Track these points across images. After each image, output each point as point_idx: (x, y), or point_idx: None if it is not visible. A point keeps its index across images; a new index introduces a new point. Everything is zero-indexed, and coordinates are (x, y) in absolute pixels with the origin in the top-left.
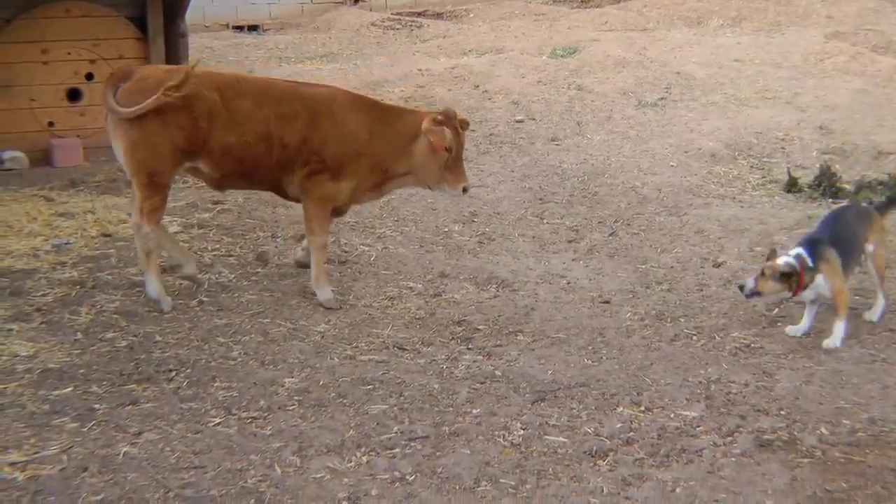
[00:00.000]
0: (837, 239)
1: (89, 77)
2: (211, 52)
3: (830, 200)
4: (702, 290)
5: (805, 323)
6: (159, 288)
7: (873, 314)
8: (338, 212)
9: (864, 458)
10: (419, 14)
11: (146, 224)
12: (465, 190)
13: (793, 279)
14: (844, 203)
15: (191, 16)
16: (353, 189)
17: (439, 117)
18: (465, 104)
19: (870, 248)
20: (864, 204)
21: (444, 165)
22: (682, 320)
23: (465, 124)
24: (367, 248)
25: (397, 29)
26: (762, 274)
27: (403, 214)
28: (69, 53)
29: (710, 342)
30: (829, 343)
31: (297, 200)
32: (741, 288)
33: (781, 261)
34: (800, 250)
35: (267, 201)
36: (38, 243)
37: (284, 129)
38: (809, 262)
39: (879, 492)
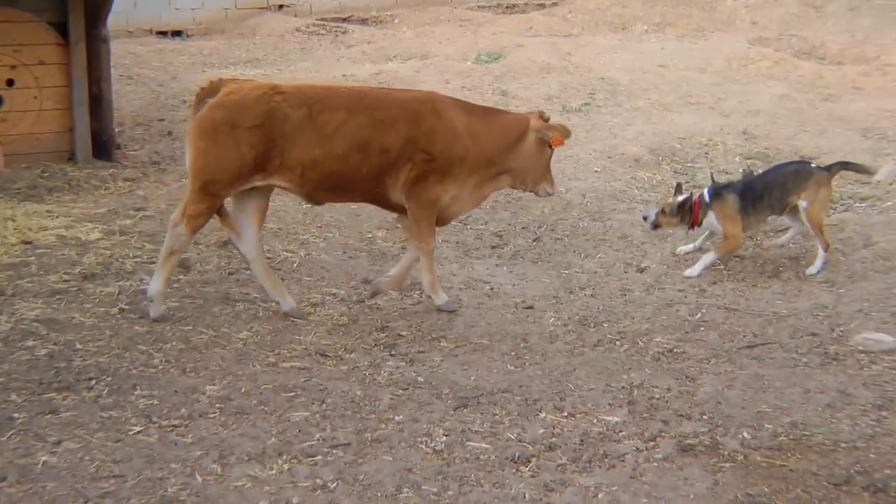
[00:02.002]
0: (750, 188)
1: (10, 83)
2: (134, 57)
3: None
4: (625, 296)
5: (693, 245)
6: (161, 291)
7: (813, 268)
8: (441, 220)
9: (786, 461)
10: (344, 20)
11: (184, 227)
12: (548, 193)
13: (687, 213)
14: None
15: (113, 21)
16: (458, 192)
17: (545, 115)
18: None
19: (802, 203)
20: (812, 164)
21: (545, 166)
22: (606, 325)
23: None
24: (290, 255)
25: (322, 34)
26: (662, 210)
27: (327, 220)
28: None
29: (633, 347)
30: (688, 272)
31: (399, 208)
32: (645, 219)
33: (680, 196)
34: (703, 190)
35: None
36: None
37: (384, 135)
38: (707, 199)
39: (801, 495)
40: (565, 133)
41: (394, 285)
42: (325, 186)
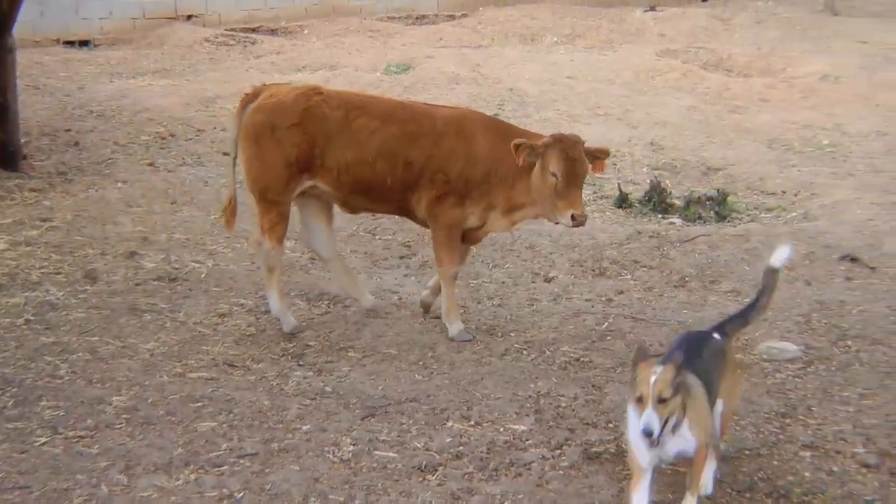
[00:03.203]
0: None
1: None
2: (41, 67)
3: (660, 216)
4: (532, 305)
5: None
6: (282, 306)
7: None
8: (470, 240)
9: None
10: (253, 30)
11: (268, 240)
12: (573, 218)
13: None
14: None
15: (19, 30)
16: (481, 215)
17: (547, 139)
18: None
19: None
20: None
21: (554, 191)
22: (513, 335)
23: (601, 153)
24: (197, 265)
25: (231, 45)
26: (660, 399)
27: (235, 231)
28: None
29: (541, 356)
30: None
31: (427, 225)
32: (650, 434)
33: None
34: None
35: (95, 218)
36: None
37: (409, 148)
38: None
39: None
40: (521, 154)
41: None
42: (356, 192)
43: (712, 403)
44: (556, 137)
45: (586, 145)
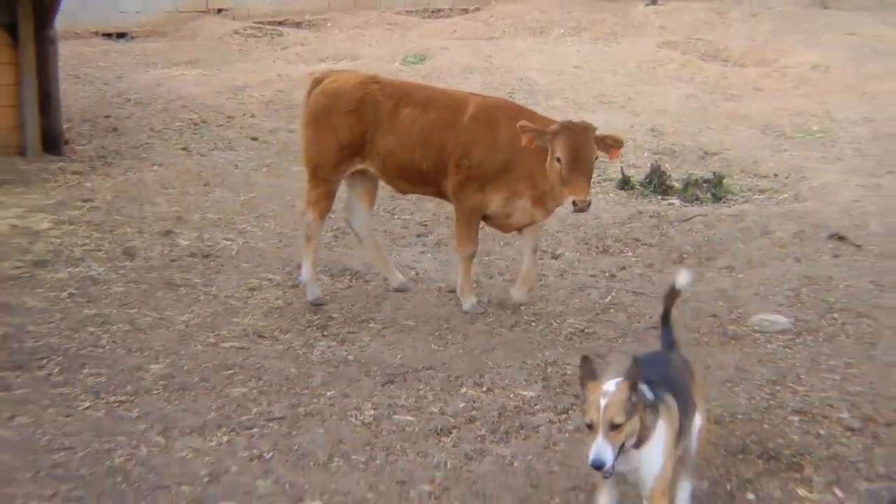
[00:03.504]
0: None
1: None
2: (81, 57)
3: (660, 197)
4: (540, 280)
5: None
6: (311, 276)
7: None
8: (505, 228)
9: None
10: (280, 23)
11: (311, 213)
12: (574, 203)
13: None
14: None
15: (61, 23)
16: (503, 202)
17: (555, 126)
18: None
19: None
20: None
21: (558, 176)
22: (522, 308)
23: (615, 142)
24: (228, 243)
25: (259, 37)
26: (612, 425)
27: (263, 211)
28: None
29: (548, 328)
30: None
31: None
32: (601, 467)
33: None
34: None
35: (133, 199)
36: None
37: (443, 134)
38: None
39: (700, 463)
40: (528, 135)
41: (527, 285)
42: (399, 175)
43: (691, 418)
44: (565, 124)
45: (598, 133)
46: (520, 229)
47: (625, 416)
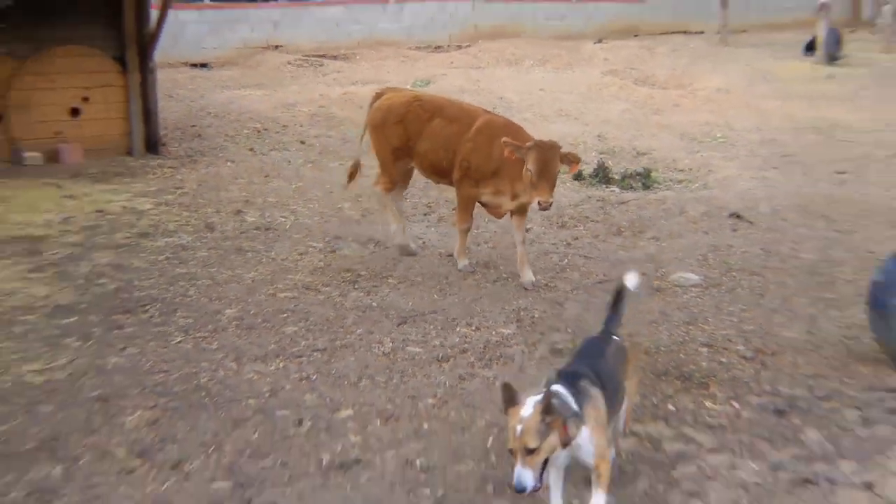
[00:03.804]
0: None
1: (85, 100)
2: (173, 82)
3: (604, 186)
4: (515, 248)
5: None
6: (398, 227)
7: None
8: (497, 214)
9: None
10: (321, 56)
11: (380, 189)
12: (540, 204)
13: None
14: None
15: (159, 56)
16: (491, 195)
17: (530, 143)
18: (352, 118)
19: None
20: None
21: (529, 182)
22: (501, 268)
23: (574, 158)
24: (283, 219)
25: (305, 66)
26: (527, 450)
27: (309, 196)
28: (71, 82)
29: (521, 283)
30: None
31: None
32: (523, 491)
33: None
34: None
35: (213, 187)
36: (52, 217)
37: (456, 141)
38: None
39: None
40: (509, 148)
41: (525, 266)
42: (429, 172)
43: (620, 402)
44: (537, 142)
45: (562, 150)
46: (510, 213)
47: (539, 439)
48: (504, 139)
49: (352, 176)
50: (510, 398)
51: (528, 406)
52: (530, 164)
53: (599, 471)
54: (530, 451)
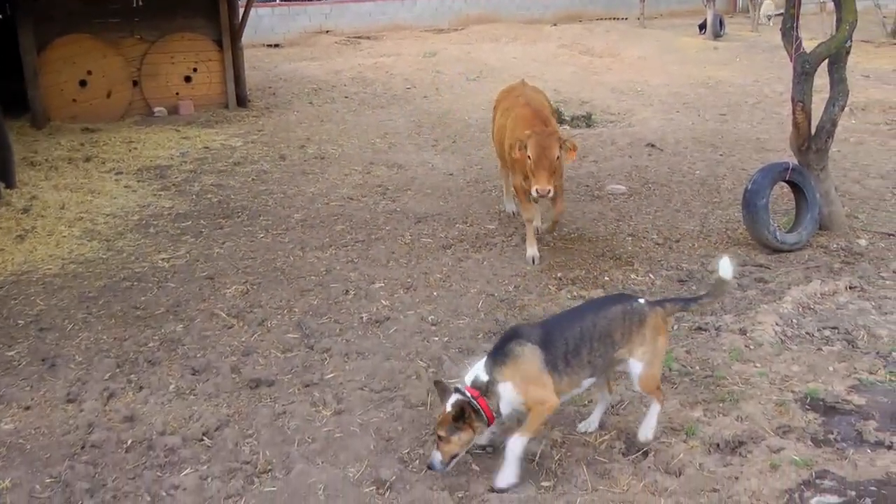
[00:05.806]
0: (556, 337)
1: (195, 70)
2: (255, 58)
3: (559, 125)
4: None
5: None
6: (508, 196)
7: (648, 431)
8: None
9: (572, 246)
10: (358, 37)
11: (500, 169)
12: (537, 191)
13: (473, 417)
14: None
15: (245, 39)
16: (521, 183)
17: (528, 133)
18: (380, 80)
19: (635, 366)
20: (640, 300)
21: (529, 170)
22: (488, 182)
23: (572, 145)
24: (333, 150)
25: (347, 45)
26: (440, 437)
27: (351, 135)
28: (185, 58)
29: (500, 194)
30: (497, 484)
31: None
32: (431, 467)
33: (448, 401)
34: (476, 371)
35: (284, 129)
36: (173, 152)
37: (508, 131)
38: (484, 378)
39: (580, 262)
40: (520, 144)
41: (557, 219)
42: (504, 157)
43: (599, 357)
44: (535, 132)
45: (560, 138)
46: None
47: (449, 433)
48: (511, 142)
49: None
50: (443, 393)
51: (449, 404)
52: (529, 151)
53: (532, 415)
54: (441, 439)
